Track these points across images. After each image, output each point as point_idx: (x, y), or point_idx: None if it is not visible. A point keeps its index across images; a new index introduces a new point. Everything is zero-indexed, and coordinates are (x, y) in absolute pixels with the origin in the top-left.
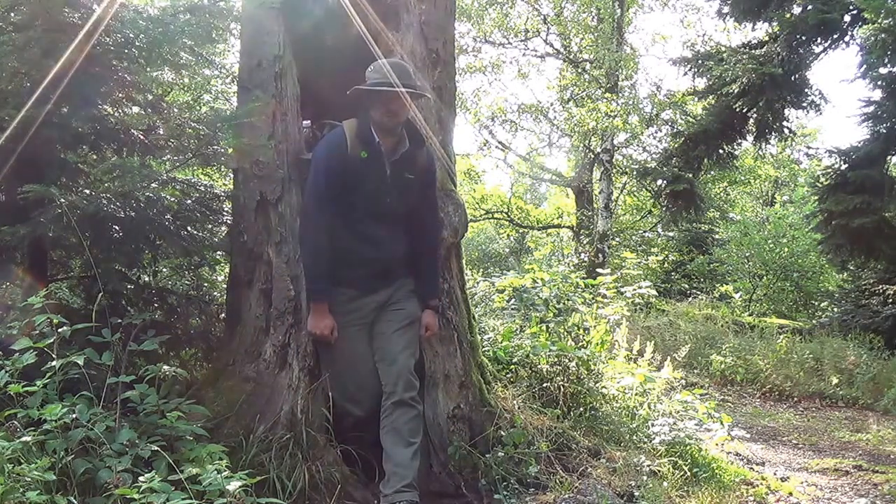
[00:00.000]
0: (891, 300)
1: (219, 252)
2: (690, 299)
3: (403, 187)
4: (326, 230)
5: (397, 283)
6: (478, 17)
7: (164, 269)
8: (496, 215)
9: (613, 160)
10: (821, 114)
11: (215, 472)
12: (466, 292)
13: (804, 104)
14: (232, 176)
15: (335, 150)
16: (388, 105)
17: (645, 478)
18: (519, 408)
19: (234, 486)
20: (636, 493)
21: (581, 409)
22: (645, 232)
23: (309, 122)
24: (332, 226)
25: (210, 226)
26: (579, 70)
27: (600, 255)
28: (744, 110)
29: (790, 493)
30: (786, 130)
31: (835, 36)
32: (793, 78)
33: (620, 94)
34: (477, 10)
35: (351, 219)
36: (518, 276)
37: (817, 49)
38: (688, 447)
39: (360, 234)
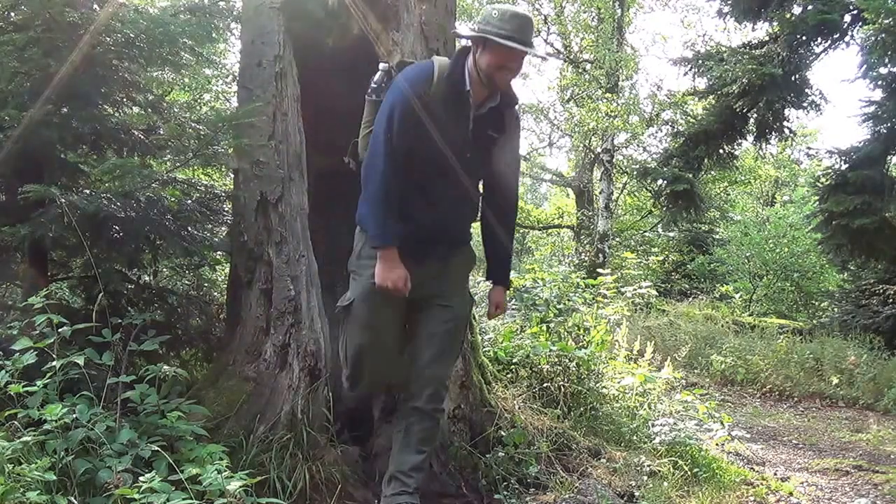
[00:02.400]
0: (891, 300)
1: (219, 252)
2: (690, 299)
3: (485, 146)
4: (397, 167)
5: (453, 263)
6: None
7: (165, 269)
8: None
9: (614, 160)
10: (821, 114)
11: (215, 472)
12: None
13: (804, 104)
14: (232, 176)
15: (418, 82)
16: (507, 61)
17: (645, 478)
18: (519, 408)
19: (234, 486)
20: (636, 493)
21: (581, 409)
22: (645, 232)
23: (386, 64)
24: (402, 165)
25: (210, 226)
26: (579, 70)
27: (600, 255)
28: (744, 110)
29: (790, 494)
30: (786, 130)
31: (835, 36)
32: (793, 78)
33: (620, 94)
34: (477, 10)
35: (414, 168)
36: (518, 276)
37: (817, 49)
38: (688, 447)
39: (420, 189)
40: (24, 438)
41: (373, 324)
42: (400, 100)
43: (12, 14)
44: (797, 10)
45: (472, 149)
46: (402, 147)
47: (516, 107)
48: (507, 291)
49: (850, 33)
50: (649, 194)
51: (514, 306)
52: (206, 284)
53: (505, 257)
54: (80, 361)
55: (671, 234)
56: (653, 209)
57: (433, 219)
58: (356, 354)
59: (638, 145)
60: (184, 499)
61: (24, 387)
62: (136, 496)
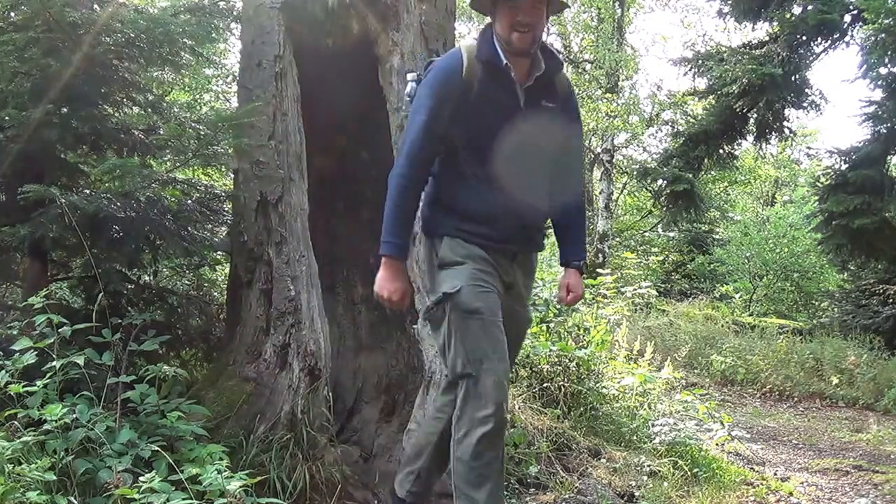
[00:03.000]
0: (891, 300)
1: (219, 252)
2: (690, 299)
3: (543, 120)
4: (417, 172)
5: (531, 259)
6: (478, 18)
7: (165, 269)
8: None
9: (614, 160)
10: (821, 114)
11: (215, 472)
12: None
13: (804, 104)
14: (232, 176)
15: (445, 73)
16: (517, 15)
17: (645, 478)
18: (519, 408)
19: (234, 486)
20: (636, 493)
21: (581, 409)
22: (645, 232)
23: (414, 73)
24: (427, 169)
25: (210, 226)
26: (579, 70)
27: (600, 255)
28: (744, 110)
29: (790, 494)
30: (786, 130)
31: (835, 36)
32: (793, 78)
33: (620, 95)
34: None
35: (473, 161)
36: None
37: (817, 49)
38: (688, 447)
39: (487, 181)
40: (24, 438)
41: (488, 304)
42: (428, 94)
43: (12, 14)
44: (797, 10)
45: (530, 125)
46: (431, 147)
47: (563, 71)
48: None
49: (850, 33)
50: (649, 194)
51: None
52: (206, 284)
53: (578, 234)
54: (80, 361)
55: (671, 234)
56: (653, 209)
57: (509, 207)
58: (475, 343)
59: (638, 145)
60: (184, 499)
61: (24, 387)
62: (136, 496)
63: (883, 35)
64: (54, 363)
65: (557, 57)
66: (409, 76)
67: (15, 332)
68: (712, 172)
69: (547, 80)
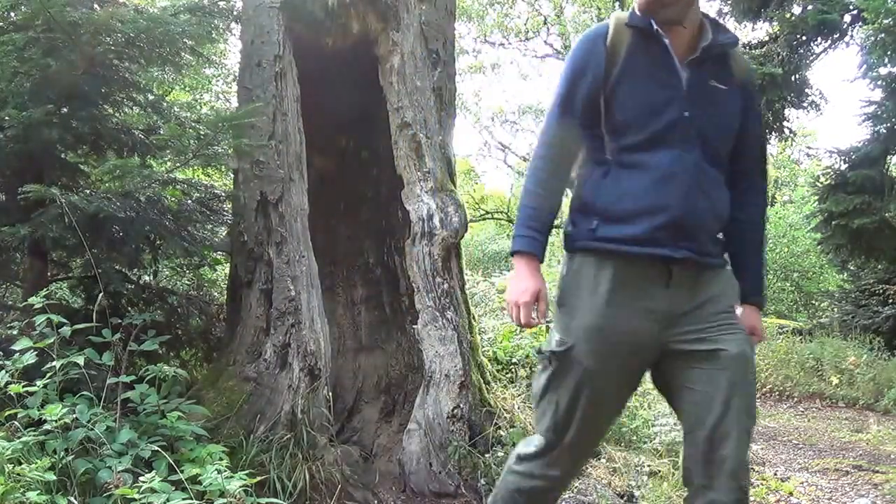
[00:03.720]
0: (891, 300)
1: (219, 252)
2: None
3: (710, 101)
4: (551, 153)
5: (705, 277)
6: (478, 17)
7: (165, 269)
8: (496, 215)
9: None
10: (821, 114)
11: (215, 472)
12: (466, 292)
13: (804, 104)
14: (232, 176)
15: (586, 42)
16: None
17: (645, 478)
18: (519, 408)
19: (234, 486)
20: (636, 493)
21: None
22: None
23: None
24: (565, 153)
25: (210, 226)
26: None
27: None
28: None
29: (790, 493)
30: (786, 130)
31: (835, 36)
32: (793, 78)
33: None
34: (477, 10)
35: (617, 145)
36: None
37: (817, 49)
38: None
39: (631, 167)
40: (24, 438)
41: (605, 366)
42: (566, 67)
43: (12, 14)
44: (797, 10)
45: (692, 106)
46: (566, 127)
47: (738, 48)
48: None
49: (850, 33)
50: None
51: None
52: (206, 284)
53: (754, 259)
54: (80, 361)
55: None
56: None
57: (659, 199)
58: (570, 414)
59: None
60: (184, 499)
61: (24, 387)
62: (136, 496)
63: (883, 35)
64: (54, 363)
65: (730, 30)
66: None
67: (15, 332)
68: None
69: (717, 56)
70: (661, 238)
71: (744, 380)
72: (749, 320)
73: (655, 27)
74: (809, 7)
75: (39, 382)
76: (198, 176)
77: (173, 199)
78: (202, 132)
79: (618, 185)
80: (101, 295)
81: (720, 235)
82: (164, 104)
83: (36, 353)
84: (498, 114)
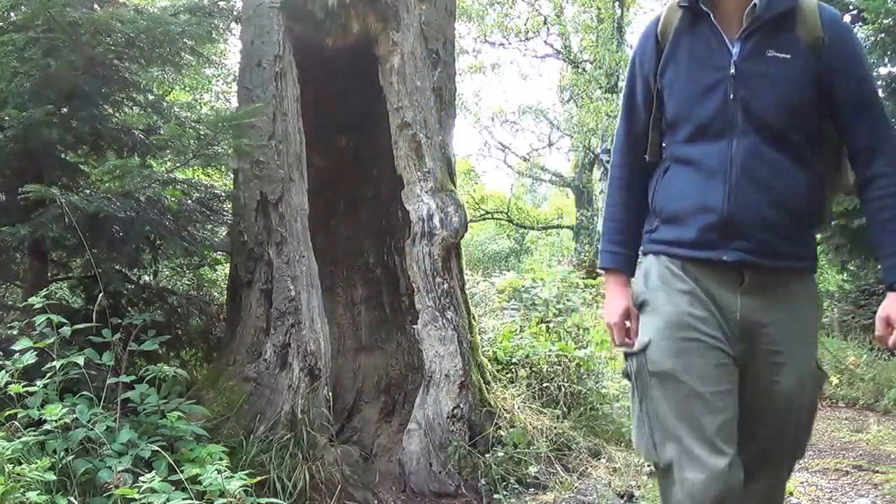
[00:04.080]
0: None
1: (219, 252)
2: None
3: (765, 77)
4: (627, 159)
5: (782, 281)
6: (478, 17)
7: (165, 269)
8: (496, 215)
9: None
10: None
11: (215, 472)
12: (466, 292)
13: None
14: (232, 176)
15: (643, 34)
16: None
17: (645, 478)
18: (519, 408)
19: (234, 486)
20: (636, 493)
21: (581, 409)
22: None
23: None
24: (641, 157)
25: (210, 226)
26: (579, 70)
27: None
28: None
29: (790, 493)
30: None
31: None
32: None
33: (620, 95)
34: (477, 10)
35: (673, 140)
36: (518, 276)
37: None
38: None
39: (686, 164)
40: (24, 438)
41: (687, 363)
42: (628, 68)
43: (12, 14)
44: None
45: (742, 85)
46: (634, 129)
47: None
48: None
49: None
50: None
51: (513, 306)
52: (206, 284)
53: (892, 237)
54: (80, 361)
55: None
56: None
57: (713, 197)
58: (664, 420)
59: None
60: (184, 499)
61: (24, 387)
62: (136, 496)
63: (883, 35)
64: (54, 363)
65: None
66: None
67: (15, 332)
68: None
69: (774, 22)
70: (712, 240)
71: (782, 429)
72: (886, 310)
73: (698, 2)
74: None
75: (39, 382)
76: (198, 176)
77: (173, 199)
78: (202, 132)
79: (671, 183)
80: (101, 295)
81: (806, 230)
82: (164, 104)
83: (36, 353)
84: (498, 114)
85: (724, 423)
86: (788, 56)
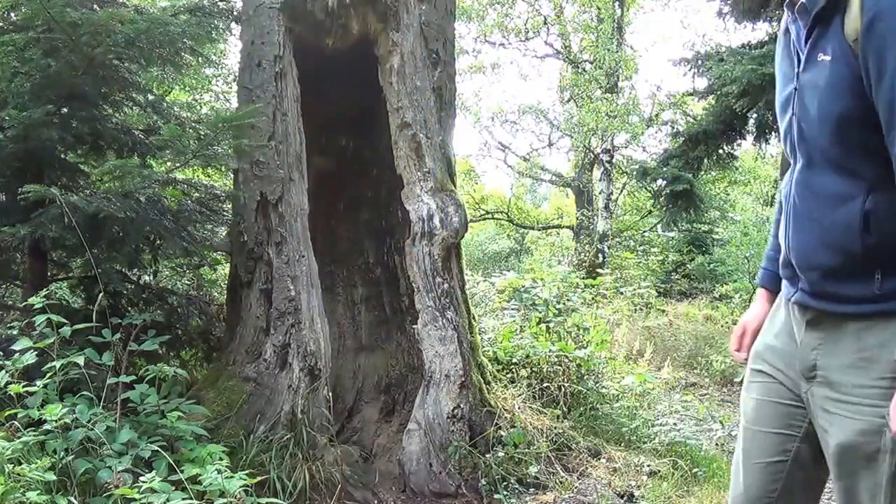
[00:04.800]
0: None
1: (219, 252)
2: (690, 299)
3: (814, 87)
4: (786, 182)
5: (842, 328)
6: (478, 17)
7: (165, 269)
8: (496, 215)
9: (613, 160)
10: None
11: (215, 472)
12: (466, 292)
13: None
14: (232, 176)
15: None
16: None
17: (645, 478)
18: (519, 408)
19: (234, 485)
20: (636, 493)
21: (581, 409)
22: (645, 232)
23: None
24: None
25: (210, 226)
26: (579, 70)
27: (600, 256)
28: (744, 111)
29: None
30: None
31: None
32: None
33: (620, 95)
34: (477, 10)
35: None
36: (518, 276)
37: None
38: (688, 447)
39: (785, 194)
40: (24, 438)
41: (748, 404)
42: None
43: (12, 14)
44: None
45: (800, 99)
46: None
47: None
48: None
49: None
50: (649, 194)
51: (513, 306)
52: (206, 284)
53: None
54: (80, 361)
55: (671, 235)
56: (652, 209)
57: (787, 238)
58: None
59: (637, 145)
60: (184, 499)
61: (24, 387)
62: (136, 496)
63: None
64: (54, 363)
65: None
66: None
67: (15, 332)
68: (712, 172)
69: (822, 16)
70: (785, 276)
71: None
72: None
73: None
74: None
75: (39, 382)
76: (198, 176)
77: (173, 199)
78: (202, 132)
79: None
80: (101, 295)
81: (875, 266)
82: (164, 104)
83: (36, 353)
84: (498, 114)
85: (760, 461)
86: (828, 58)
